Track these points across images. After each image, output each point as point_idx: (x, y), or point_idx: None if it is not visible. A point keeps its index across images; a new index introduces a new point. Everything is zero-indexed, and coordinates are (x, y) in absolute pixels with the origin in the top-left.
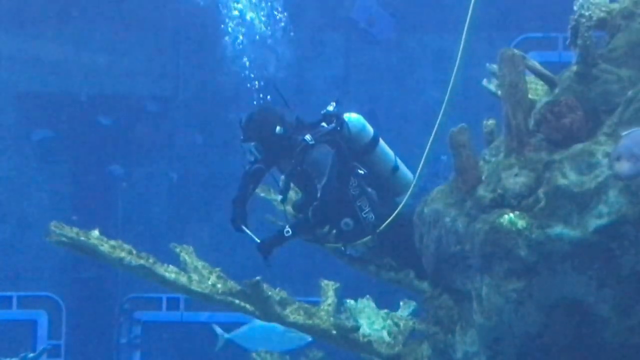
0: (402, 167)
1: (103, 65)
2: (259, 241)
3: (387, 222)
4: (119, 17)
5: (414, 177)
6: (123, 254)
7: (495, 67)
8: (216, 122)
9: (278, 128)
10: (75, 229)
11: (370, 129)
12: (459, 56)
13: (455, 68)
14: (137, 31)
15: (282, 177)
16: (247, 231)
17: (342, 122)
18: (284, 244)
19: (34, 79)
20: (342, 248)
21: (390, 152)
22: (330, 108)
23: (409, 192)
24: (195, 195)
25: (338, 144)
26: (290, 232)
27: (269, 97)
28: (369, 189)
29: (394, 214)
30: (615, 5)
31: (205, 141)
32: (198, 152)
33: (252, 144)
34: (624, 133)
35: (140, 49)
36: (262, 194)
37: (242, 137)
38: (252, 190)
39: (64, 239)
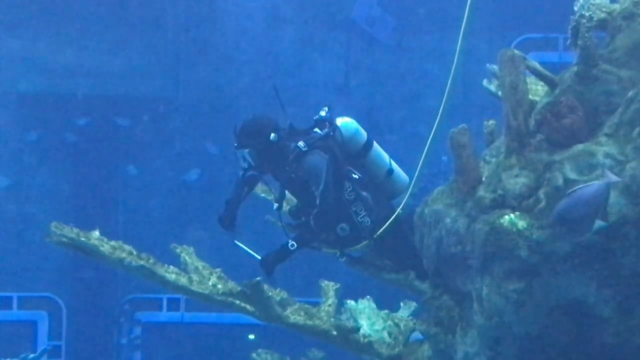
0: (397, 169)
1: (103, 65)
2: (259, 257)
3: (384, 227)
4: (119, 17)
5: (410, 179)
6: (123, 255)
7: (495, 67)
8: (217, 122)
9: (272, 135)
10: (75, 230)
11: (363, 133)
12: (456, 56)
13: (453, 68)
14: (137, 31)
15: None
16: (244, 247)
17: (334, 128)
18: (288, 258)
19: (33, 80)
20: (337, 255)
21: (385, 155)
22: (323, 113)
23: (407, 195)
24: (196, 196)
25: (331, 149)
26: (296, 245)
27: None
28: (364, 193)
29: (391, 219)
30: (616, 6)
31: (206, 141)
32: (199, 152)
33: (246, 150)
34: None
35: (140, 49)
36: (262, 194)
37: (235, 144)
38: (246, 195)
39: (64, 239)
